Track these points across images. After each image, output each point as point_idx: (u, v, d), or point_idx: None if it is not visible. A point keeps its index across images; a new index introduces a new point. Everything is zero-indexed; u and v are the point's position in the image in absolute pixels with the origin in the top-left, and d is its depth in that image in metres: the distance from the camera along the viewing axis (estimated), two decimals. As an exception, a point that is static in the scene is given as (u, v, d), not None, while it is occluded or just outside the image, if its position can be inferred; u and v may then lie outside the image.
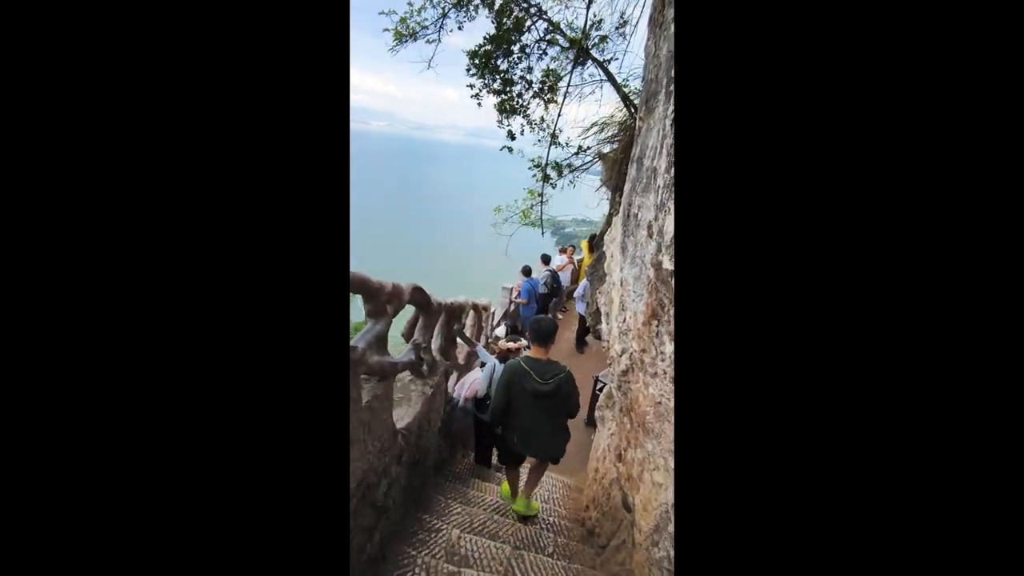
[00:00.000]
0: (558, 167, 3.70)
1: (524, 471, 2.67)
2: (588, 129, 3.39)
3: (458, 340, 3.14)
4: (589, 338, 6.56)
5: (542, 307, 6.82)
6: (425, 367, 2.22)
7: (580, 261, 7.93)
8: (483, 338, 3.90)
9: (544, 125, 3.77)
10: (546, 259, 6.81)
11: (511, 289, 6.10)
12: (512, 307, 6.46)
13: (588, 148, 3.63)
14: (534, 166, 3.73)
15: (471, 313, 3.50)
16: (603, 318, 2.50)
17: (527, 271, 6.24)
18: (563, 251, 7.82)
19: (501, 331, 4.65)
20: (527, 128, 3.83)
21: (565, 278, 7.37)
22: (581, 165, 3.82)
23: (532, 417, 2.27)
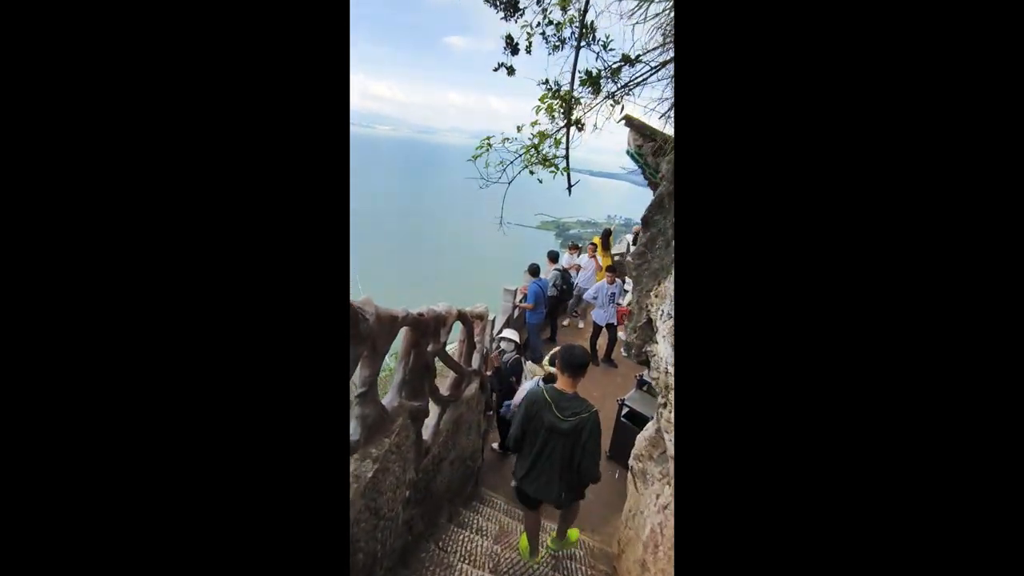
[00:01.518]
0: (593, 79, 2.03)
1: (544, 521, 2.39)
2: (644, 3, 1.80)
3: (439, 365, 2.20)
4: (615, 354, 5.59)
5: (551, 312, 5.85)
6: (358, 429, 1.28)
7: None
8: (477, 357, 2.93)
9: (569, 19, 2.04)
10: (553, 257, 5.85)
11: (515, 292, 5.13)
12: (516, 313, 5.51)
13: (643, 55, 1.97)
14: (550, 95, 2.11)
15: (458, 326, 2.54)
16: (661, 336, 1.55)
17: (534, 270, 5.29)
18: (573, 249, 6.86)
19: (508, 333, 3.70)
20: (535, 29, 2.16)
21: (586, 279, 6.38)
22: (631, 80, 2.11)
23: (541, 453, 2.03)
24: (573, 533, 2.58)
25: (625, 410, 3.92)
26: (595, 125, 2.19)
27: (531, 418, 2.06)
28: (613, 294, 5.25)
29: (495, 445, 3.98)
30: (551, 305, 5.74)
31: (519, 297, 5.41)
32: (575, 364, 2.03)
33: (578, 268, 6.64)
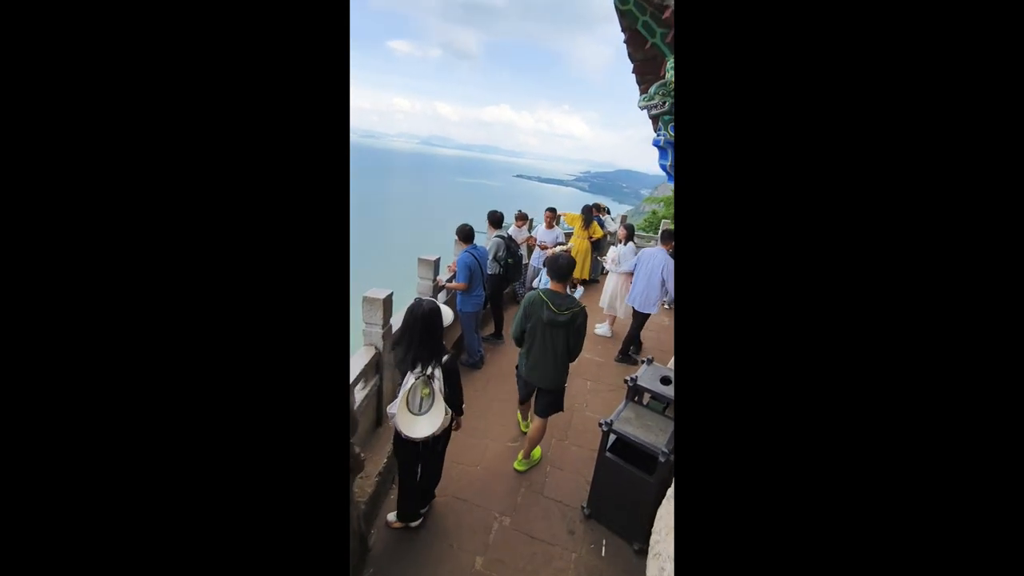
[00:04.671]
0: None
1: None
2: None
3: None
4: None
5: (494, 293, 4.21)
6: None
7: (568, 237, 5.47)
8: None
9: None
10: (496, 219, 4.19)
11: (435, 263, 3.40)
12: (443, 296, 3.81)
13: None
14: None
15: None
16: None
17: (466, 233, 3.59)
18: (520, 220, 5.28)
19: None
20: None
21: (540, 259, 4.81)
22: None
23: (542, 345, 2.42)
24: (536, 455, 2.84)
25: (612, 439, 2.36)
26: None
27: (529, 316, 2.43)
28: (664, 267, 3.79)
29: (392, 517, 2.26)
30: (493, 287, 4.10)
31: (447, 275, 3.73)
32: (562, 271, 2.41)
33: (533, 243, 5.08)
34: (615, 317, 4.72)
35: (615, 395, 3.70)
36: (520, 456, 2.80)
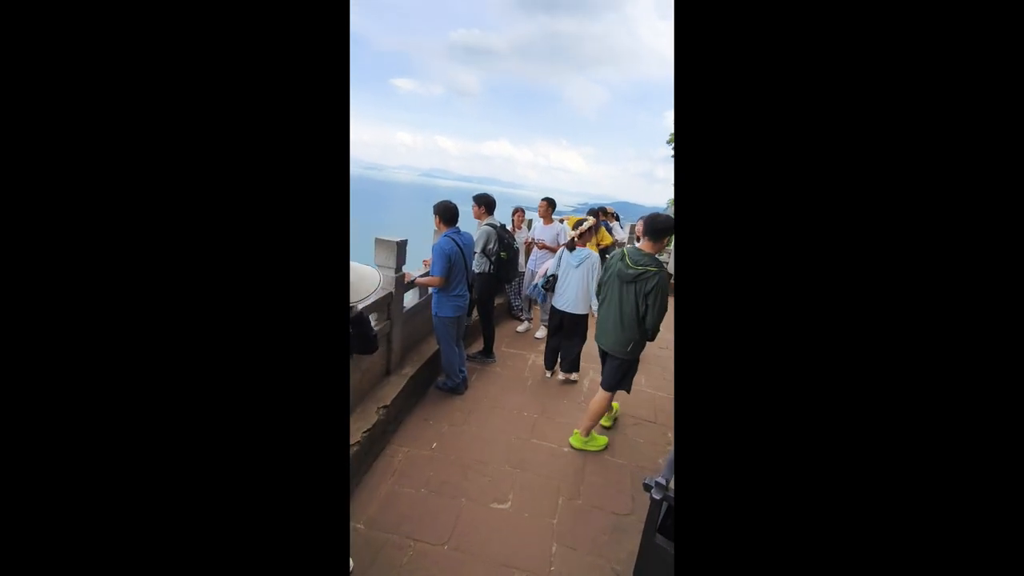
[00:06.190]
0: None
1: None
2: None
3: None
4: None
5: (483, 297, 3.30)
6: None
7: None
8: None
9: None
10: (488, 203, 3.32)
11: (397, 244, 2.49)
12: (416, 294, 2.89)
13: None
14: None
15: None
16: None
17: (448, 214, 2.71)
18: (519, 216, 4.44)
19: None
20: None
21: (540, 259, 3.92)
22: None
23: (609, 302, 2.30)
24: (600, 441, 2.55)
25: (664, 508, 1.42)
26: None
27: (607, 269, 2.32)
28: None
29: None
30: (481, 289, 3.19)
31: (419, 272, 2.83)
32: (656, 229, 2.15)
33: (530, 244, 4.22)
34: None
35: (644, 432, 2.73)
36: (577, 432, 2.50)
